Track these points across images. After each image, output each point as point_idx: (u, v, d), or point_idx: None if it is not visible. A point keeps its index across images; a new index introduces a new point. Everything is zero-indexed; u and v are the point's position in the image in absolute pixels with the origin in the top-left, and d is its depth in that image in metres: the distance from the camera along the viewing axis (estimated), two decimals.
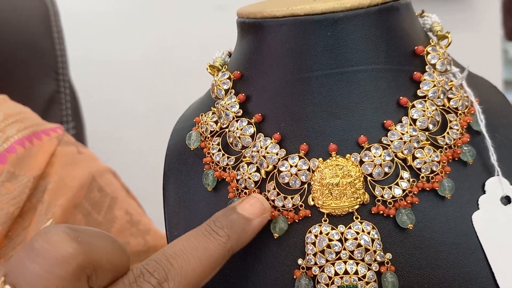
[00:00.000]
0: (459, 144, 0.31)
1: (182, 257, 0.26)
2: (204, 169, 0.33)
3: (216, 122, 0.34)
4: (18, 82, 0.77)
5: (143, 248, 0.55)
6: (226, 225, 0.28)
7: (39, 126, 0.53)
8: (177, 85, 1.15)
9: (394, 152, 0.30)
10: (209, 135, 0.34)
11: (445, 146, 0.31)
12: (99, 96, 1.17)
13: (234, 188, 0.32)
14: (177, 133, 0.38)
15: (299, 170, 0.30)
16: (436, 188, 0.30)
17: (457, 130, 0.31)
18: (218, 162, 0.33)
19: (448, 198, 0.30)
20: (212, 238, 0.28)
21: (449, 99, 0.32)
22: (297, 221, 0.30)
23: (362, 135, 0.30)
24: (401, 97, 0.31)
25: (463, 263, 0.29)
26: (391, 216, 0.30)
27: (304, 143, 0.31)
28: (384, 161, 0.30)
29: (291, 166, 0.31)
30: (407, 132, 0.30)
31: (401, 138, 0.30)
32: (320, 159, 0.30)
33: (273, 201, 0.31)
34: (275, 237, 0.30)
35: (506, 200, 0.31)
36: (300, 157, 0.31)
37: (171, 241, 0.33)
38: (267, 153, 0.31)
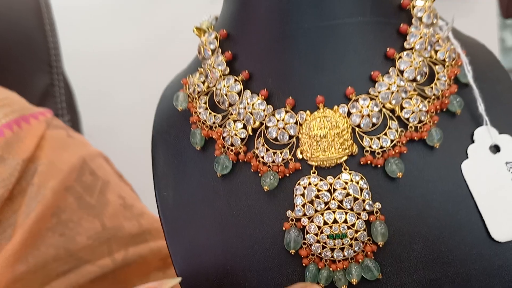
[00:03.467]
0: (446, 95, 0.31)
1: None
2: (191, 129, 0.33)
3: (203, 82, 0.34)
4: (11, 76, 0.76)
5: (138, 231, 0.55)
6: None
7: (27, 110, 0.53)
8: (172, 77, 1.15)
9: (381, 103, 0.30)
10: (196, 96, 0.34)
11: (432, 97, 0.31)
12: (94, 90, 1.17)
13: (220, 145, 0.32)
14: (165, 98, 0.38)
15: (286, 124, 0.30)
16: (425, 138, 0.30)
17: (445, 81, 0.31)
18: (205, 121, 0.33)
19: (437, 147, 0.30)
20: None
21: (436, 51, 0.32)
22: (287, 175, 0.30)
23: (349, 87, 0.30)
24: (388, 49, 0.31)
25: (454, 211, 0.29)
26: (380, 166, 0.29)
27: (290, 97, 0.31)
28: (372, 111, 0.30)
29: (278, 121, 0.30)
30: (394, 82, 0.30)
31: (388, 89, 0.30)
32: (308, 112, 0.30)
33: (262, 157, 0.31)
34: (266, 190, 0.30)
35: (495, 148, 0.31)
36: (287, 111, 0.31)
37: (161, 203, 0.33)
38: (254, 109, 0.31)
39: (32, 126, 0.52)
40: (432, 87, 0.31)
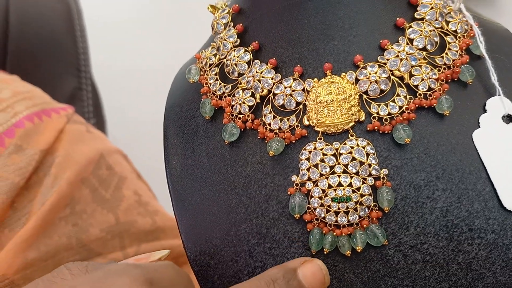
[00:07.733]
0: (458, 64, 0.30)
1: None
2: (202, 99, 0.33)
3: (215, 55, 0.34)
4: (40, 79, 0.77)
5: (151, 227, 0.54)
6: None
7: (48, 104, 0.54)
8: None
9: (390, 70, 0.30)
10: (208, 68, 0.34)
11: (443, 66, 0.30)
12: (120, 104, 1.19)
13: (228, 113, 0.32)
14: (179, 75, 0.38)
15: (293, 91, 0.30)
16: (434, 105, 0.29)
17: (456, 51, 0.31)
18: (215, 91, 0.33)
19: (447, 115, 0.29)
20: None
21: (447, 23, 0.31)
22: (294, 142, 0.30)
23: (357, 54, 0.30)
24: (398, 18, 0.31)
25: (464, 180, 0.28)
26: (387, 132, 0.29)
27: (298, 65, 0.31)
28: (380, 78, 0.29)
29: (285, 88, 0.31)
30: (403, 50, 0.30)
31: (397, 56, 0.30)
32: (315, 79, 0.30)
33: (269, 124, 0.31)
34: (271, 155, 0.30)
35: (508, 119, 0.30)
36: (294, 79, 0.31)
37: (169, 172, 0.33)
38: (262, 77, 0.31)
39: (53, 120, 0.52)
40: (443, 57, 0.30)
